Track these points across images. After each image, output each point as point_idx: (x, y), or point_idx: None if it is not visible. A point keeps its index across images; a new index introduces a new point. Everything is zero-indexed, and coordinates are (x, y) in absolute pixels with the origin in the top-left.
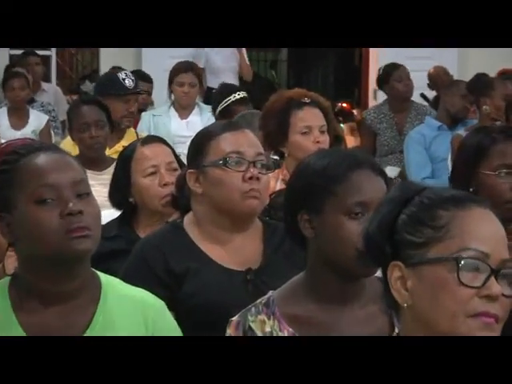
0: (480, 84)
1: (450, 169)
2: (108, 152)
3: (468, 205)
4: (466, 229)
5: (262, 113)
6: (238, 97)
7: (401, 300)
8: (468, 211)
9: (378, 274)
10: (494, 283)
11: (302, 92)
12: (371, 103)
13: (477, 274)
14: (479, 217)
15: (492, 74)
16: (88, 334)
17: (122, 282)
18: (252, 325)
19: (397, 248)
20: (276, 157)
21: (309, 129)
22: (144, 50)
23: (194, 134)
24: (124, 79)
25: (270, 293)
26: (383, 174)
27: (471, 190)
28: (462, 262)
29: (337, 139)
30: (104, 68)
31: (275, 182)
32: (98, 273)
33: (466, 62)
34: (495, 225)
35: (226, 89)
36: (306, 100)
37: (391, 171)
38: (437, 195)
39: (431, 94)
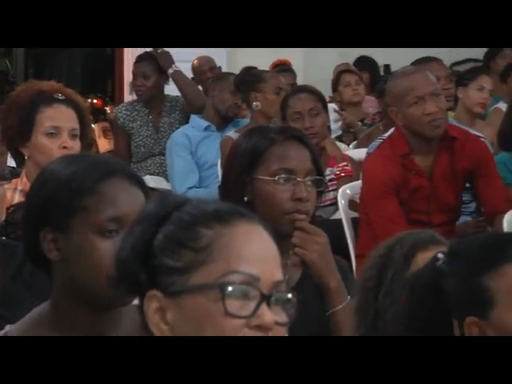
0: (248, 78)
1: (220, 176)
2: None
3: (234, 221)
4: (231, 249)
5: (5, 104)
6: None
7: (160, 335)
8: (234, 228)
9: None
10: (266, 311)
11: (57, 86)
12: (127, 99)
13: (246, 302)
14: (247, 234)
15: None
16: None
17: None
18: None
19: (154, 274)
20: (12, 165)
21: (57, 130)
22: None
23: None
24: None
25: (8, 327)
26: (141, 184)
27: (246, 199)
28: (229, 289)
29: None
30: None
31: (12, 193)
32: None
33: (235, 55)
34: (265, 242)
35: None
36: (60, 96)
37: (153, 181)
38: (199, 210)
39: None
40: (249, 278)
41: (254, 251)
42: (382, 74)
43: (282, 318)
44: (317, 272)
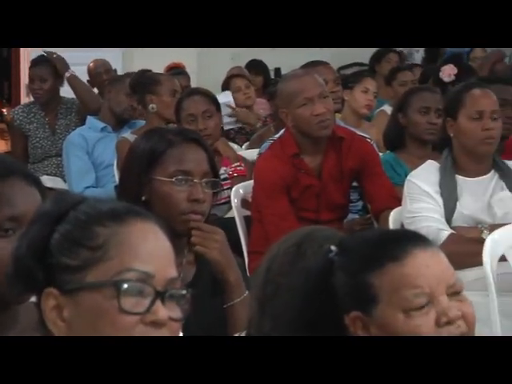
0: (144, 80)
1: (116, 176)
2: None
3: (129, 219)
4: (126, 247)
5: None
6: None
7: (57, 332)
8: (129, 227)
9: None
10: (160, 307)
11: None
12: (24, 100)
13: (140, 299)
14: (141, 232)
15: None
16: None
17: None
18: None
19: (51, 272)
20: None
21: None
22: None
23: None
24: None
25: None
26: (38, 183)
27: (143, 198)
28: (123, 286)
29: None
30: None
31: None
32: None
33: (130, 57)
34: (160, 241)
35: None
36: None
37: (50, 181)
38: (95, 209)
39: None
40: (143, 276)
41: (148, 249)
42: (272, 76)
43: (177, 313)
44: (218, 268)
